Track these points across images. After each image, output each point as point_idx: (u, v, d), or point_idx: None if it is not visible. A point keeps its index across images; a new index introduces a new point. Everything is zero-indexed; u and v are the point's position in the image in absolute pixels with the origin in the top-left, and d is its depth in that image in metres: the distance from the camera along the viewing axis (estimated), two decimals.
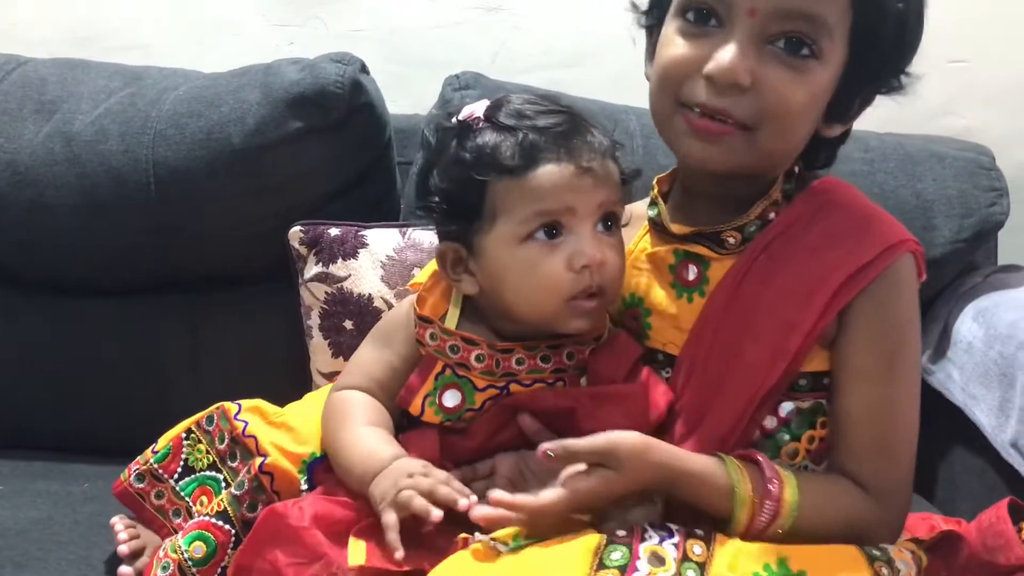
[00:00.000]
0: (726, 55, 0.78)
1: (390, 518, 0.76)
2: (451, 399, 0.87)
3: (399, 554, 0.74)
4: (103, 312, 1.27)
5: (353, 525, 0.80)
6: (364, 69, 1.26)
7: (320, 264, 1.20)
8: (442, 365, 0.88)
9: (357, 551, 0.77)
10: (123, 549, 0.93)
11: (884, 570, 0.76)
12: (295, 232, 1.22)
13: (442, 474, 0.79)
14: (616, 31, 1.56)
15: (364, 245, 1.21)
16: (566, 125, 0.84)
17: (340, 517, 0.81)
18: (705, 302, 0.86)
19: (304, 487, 0.88)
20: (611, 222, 0.86)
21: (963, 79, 1.57)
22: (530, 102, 0.86)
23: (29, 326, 1.28)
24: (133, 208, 1.20)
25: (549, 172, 0.82)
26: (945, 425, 1.23)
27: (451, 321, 0.89)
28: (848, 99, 0.84)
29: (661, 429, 0.85)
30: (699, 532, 0.76)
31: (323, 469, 0.89)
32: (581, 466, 0.76)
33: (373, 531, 0.79)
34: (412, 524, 0.77)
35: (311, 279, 1.20)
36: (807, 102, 0.80)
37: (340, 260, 1.19)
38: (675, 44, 0.82)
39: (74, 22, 1.56)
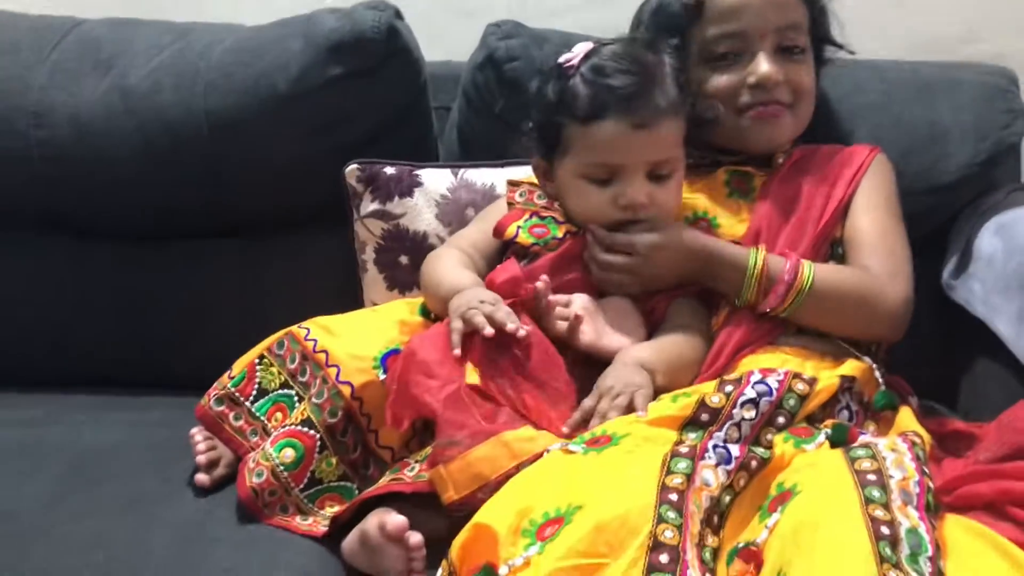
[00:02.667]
0: (762, 66, 1.13)
1: (457, 324, 0.97)
2: (538, 229, 1.12)
3: (457, 351, 0.95)
4: (166, 256, 1.35)
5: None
6: (399, 15, 1.32)
7: (376, 201, 1.27)
8: (529, 212, 1.12)
9: (473, 374, 0.93)
10: (201, 459, 1.02)
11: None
12: (352, 170, 1.28)
13: (504, 308, 0.99)
14: None
15: (419, 184, 1.28)
16: (634, 87, 1.04)
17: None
18: (757, 199, 1.16)
19: (382, 377, 1.00)
20: (660, 173, 1.06)
21: (989, 5, 1.59)
22: (614, 58, 1.06)
23: (95, 272, 1.36)
24: (189, 155, 1.28)
25: (603, 129, 1.04)
26: (968, 338, 1.28)
27: None
28: (817, 69, 1.22)
29: None
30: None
31: (394, 358, 1.00)
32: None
33: (485, 362, 0.95)
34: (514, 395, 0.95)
35: (367, 215, 1.28)
36: (812, 80, 1.19)
37: (396, 198, 1.27)
38: (716, 79, 1.15)
39: None
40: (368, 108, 1.31)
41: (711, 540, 0.81)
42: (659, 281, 1.08)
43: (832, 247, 1.15)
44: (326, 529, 0.95)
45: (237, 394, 1.06)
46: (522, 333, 0.96)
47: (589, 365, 1.03)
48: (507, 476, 0.87)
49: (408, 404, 0.95)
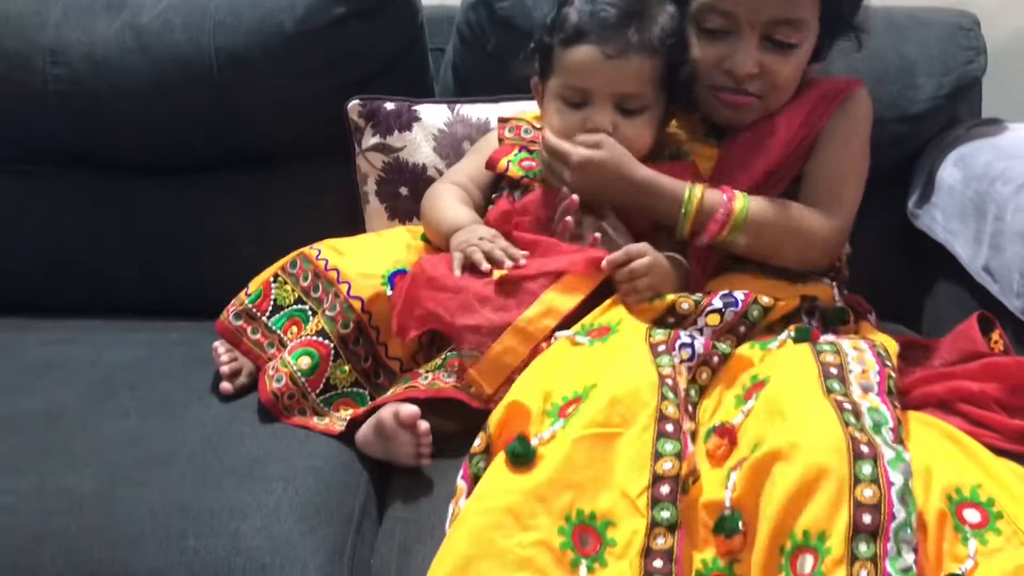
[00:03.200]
0: (738, 59, 1.10)
1: (458, 258, 1.06)
2: (527, 163, 1.18)
3: (457, 272, 1.04)
4: (176, 189, 1.42)
5: None
6: None
7: (377, 136, 1.35)
8: (518, 147, 1.18)
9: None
10: (224, 369, 1.11)
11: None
12: (353, 106, 1.35)
13: (503, 242, 1.07)
14: None
15: (417, 119, 1.35)
16: (616, 18, 1.09)
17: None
18: (728, 139, 1.18)
19: (389, 293, 1.08)
20: (628, 107, 1.11)
21: None
22: None
23: (110, 204, 1.42)
24: (199, 92, 1.34)
25: (578, 54, 1.10)
26: (930, 263, 1.38)
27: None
28: (821, 52, 1.18)
29: None
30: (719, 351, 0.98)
31: (400, 277, 1.09)
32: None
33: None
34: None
35: (368, 149, 1.35)
36: (796, 73, 1.15)
37: (396, 132, 1.34)
38: (699, 48, 1.13)
39: None
40: (369, 47, 1.37)
41: (688, 425, 0.91)
42: (594, 197, 1.11)
43: (795, 184, 1.17)
44: (342, 428, 1.04)
45: (254, 310, 1.14)
46: (522, 262, 1.05)
47: None
48: (530, 360, 0.98)
49: (416, 317, 1.04)
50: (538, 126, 1.22)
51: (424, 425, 0.96)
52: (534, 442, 0.87)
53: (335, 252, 1.14)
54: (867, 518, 0.77)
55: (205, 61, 1.33)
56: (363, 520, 0.96)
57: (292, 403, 1.06)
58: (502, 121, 1.25)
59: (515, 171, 1.18)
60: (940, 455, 0.91)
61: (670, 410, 0.87)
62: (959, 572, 0.81)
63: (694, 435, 0.91)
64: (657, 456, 0.84)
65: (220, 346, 1.13)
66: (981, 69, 1.38)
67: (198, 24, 1.34)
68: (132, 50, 1.34)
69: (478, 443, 0.90)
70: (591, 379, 0.91)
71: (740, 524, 0.82)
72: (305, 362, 1.06)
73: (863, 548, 0.76)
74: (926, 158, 1.40)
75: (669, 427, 0.85)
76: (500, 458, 0.86)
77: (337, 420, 1.05)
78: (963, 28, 1.40)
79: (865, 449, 0.80)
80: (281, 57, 1.33)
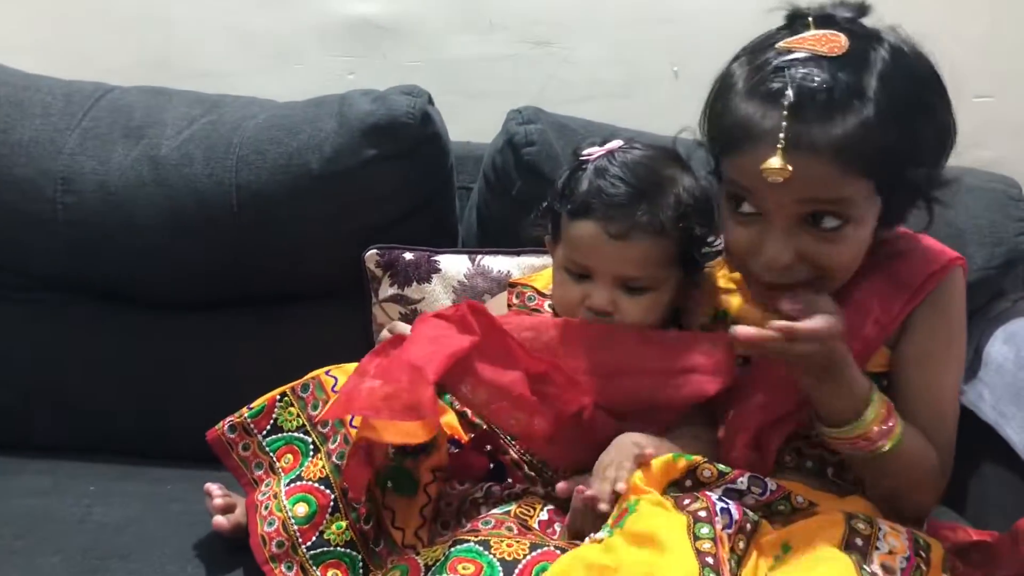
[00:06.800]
0: (770, 250, 0.92)
1: None
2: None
3: None
4: (185, 325, 1.35)
5: None
6: (430, 100, 1.34)
7: (395, 286, 1.29)
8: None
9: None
10: (218, 502, 1.04)
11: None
12: (371, 255, 1.30)
13: None
14: (659, 65, 1.64)
15: (437, 270, 1.30)
16: (622, 197, 1.02)
17: None
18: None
19: (392, 451, 1.01)
20: (632, 286, 1.03)
21: (989, 114, 1.64)
22: (623, 164, 1.04)
23: (114, 338, 1.35)
24: (217, 229, 1.29)
25: (582, 228, 1.03)
26: (976, 442, 1.29)
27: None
28: (893, 221, 0.99)
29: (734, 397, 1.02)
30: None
31: None
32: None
33: None
34: None
35: (386, 299, 1.30)
36: (851, 253, 0.95)
37: (415, 283, 1.29)
38: (728, 227, 0.98)
39: (147, 51, 1.63)
40: (398, 191, 1.32)
41: None
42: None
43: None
44: None
45: (252, 425, 1.08)
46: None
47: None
48: None
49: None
50: (544, 292, 1.16)
51: None
52: None
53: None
54: None
55: (225, 197, 1.28)
56: None
57: (280, 552, 0.98)
58: (511, 286, 1.20)
59: None
60: None
61: None
62: None
63: None
64: None
65: (213, 485, 1.06)
66: None
67: (220, 159, 1.29)
68: (148, 182, 1.29)
69: None
70: None
71: None
72: (301, 509, 0.99)
73: None
74: (972, 330, 1.33)
75: None
76: None
77: None
78: (1010, 197, 1.38)
79: None
80: (306, 199, 1.28)
